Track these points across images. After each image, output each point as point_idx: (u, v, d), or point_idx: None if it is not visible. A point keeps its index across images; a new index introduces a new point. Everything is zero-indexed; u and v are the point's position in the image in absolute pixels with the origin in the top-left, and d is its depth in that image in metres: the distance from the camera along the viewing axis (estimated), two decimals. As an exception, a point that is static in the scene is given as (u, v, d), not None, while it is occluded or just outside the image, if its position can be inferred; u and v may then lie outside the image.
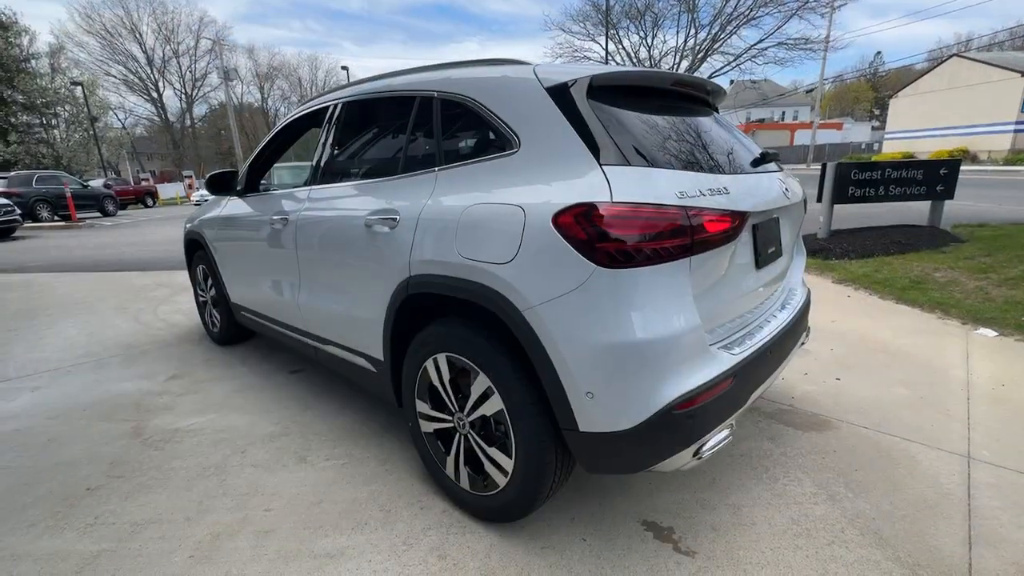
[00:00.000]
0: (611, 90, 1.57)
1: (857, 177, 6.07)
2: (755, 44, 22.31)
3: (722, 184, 1.49)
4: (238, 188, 3.07)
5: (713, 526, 1.73)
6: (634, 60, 22.60)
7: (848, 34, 71.79)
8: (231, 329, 3.55)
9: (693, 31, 21.75)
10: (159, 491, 2.03)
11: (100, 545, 1.74)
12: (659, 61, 22.32)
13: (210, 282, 3.59)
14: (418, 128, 1.95)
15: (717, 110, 2.20)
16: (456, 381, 1.72)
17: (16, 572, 1.62)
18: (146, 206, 23.83)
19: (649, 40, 22.07)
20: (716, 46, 22.37)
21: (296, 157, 7.51)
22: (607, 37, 20.26)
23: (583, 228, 1.31)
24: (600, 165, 1.38)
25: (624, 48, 22.81)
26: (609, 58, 21.09)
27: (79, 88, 27.88)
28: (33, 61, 33.69)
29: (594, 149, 1.40)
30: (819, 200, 6.21)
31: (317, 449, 2.29)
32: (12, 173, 16.66)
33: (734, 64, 23.32)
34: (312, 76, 57.23)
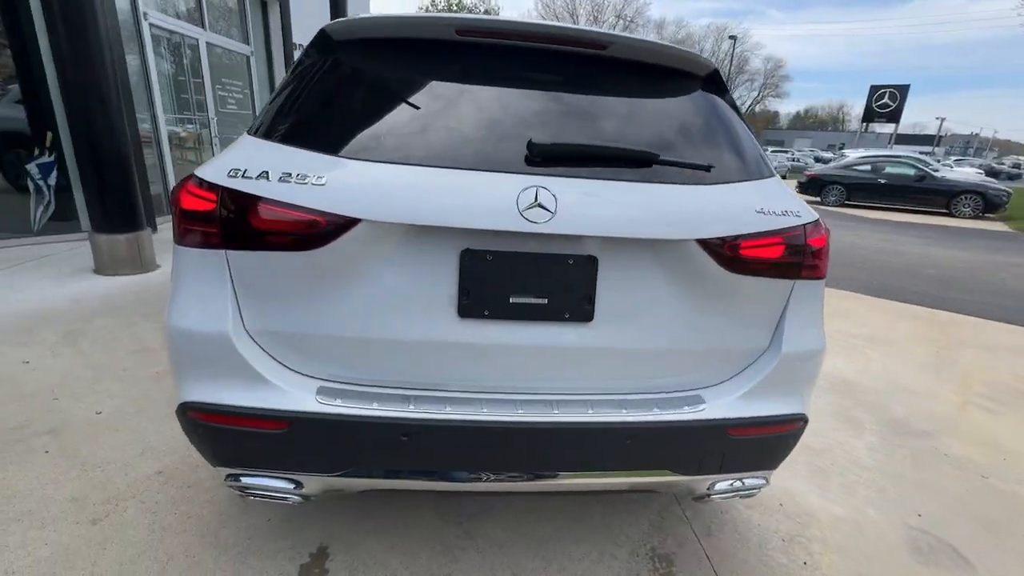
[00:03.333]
0: (362, 43, 1.36)
1: None
2: None
3: (320, 173, 1.15)
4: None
5: None
6: None
7: None
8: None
9: None
10: (106, 355, 2.88)
11: (60, 364, 2.71)
12: None
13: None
14: None
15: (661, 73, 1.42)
16: None
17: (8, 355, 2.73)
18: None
19: None
20: None
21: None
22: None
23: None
24: (244, 133, 1.33)
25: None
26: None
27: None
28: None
29: (262, 115, 1.33)
30: None
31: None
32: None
33: None
34: (715, 48, 54.49)
